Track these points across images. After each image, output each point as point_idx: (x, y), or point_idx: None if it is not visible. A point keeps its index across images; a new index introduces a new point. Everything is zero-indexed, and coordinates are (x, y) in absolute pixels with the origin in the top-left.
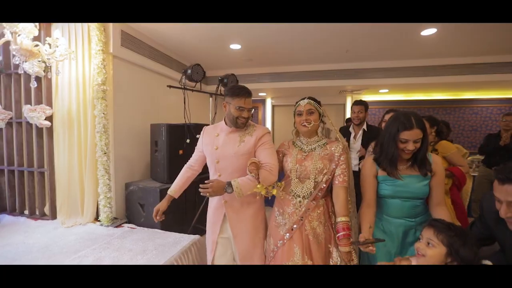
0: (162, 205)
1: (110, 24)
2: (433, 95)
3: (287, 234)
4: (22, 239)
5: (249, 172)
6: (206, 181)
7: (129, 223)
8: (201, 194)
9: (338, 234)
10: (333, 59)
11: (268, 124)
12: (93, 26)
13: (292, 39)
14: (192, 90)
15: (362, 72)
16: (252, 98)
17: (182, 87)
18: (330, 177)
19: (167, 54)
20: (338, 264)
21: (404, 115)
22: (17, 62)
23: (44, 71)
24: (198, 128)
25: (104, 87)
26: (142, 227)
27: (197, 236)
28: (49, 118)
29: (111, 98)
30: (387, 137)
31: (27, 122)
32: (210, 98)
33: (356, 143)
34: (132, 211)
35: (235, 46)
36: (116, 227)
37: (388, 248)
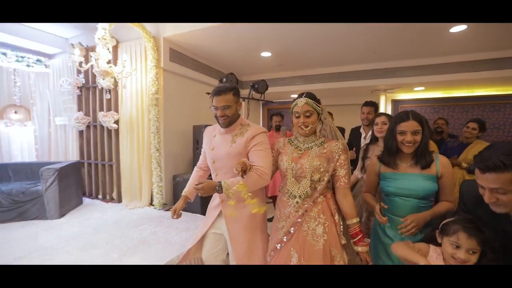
0: (179, 204)
1: (161, 43)
2: (478, 91)
3: (285, 237)
4: (99, 215)
5: (235, 170)
6: (198, 182)
7: None
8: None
9: (355, 239)
10: (363, 60)
11: None
12: (149, 46)
13: (320, 43)
14: (250, 99)
15: (392, 71)
16: (284, 100)
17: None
18: (326, 176)
19: (206, 64)
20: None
21: (403, 111)
22: (98, 80)
23: (113, 85)
24: None
25: (157, 95)
26: (186, 212)
27: None
28: (116, 122)
29: (162, 104)
30: (388, 132)
31: (101, 125)
32: (243, 102)
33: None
34: (178, 198)
35: (266, 54)
36: (166, 210)
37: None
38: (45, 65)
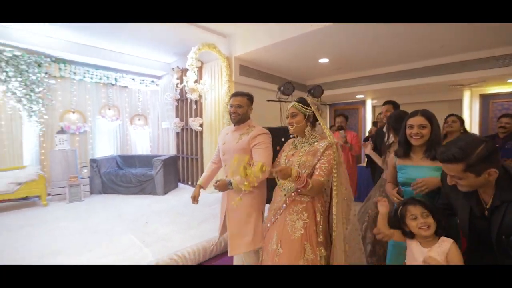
0: (196, 192)
1: (233, 62)
2: None
3: (272, 219)
4: (188, 196)
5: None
6: (216, 181)
7: None
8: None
9: (298, 184)
10: (433, 54)
11: (369, 125)
12: (223, 65)
13: (380, 42)
14: (285, 101)
15: (477, 63)
16: (349, 101)
17: (277, 100)
18: (311, 171)
19: (270, 73)
20: (308, 261)
21: (415, 110)
22: (188, 95)
23: (198, 97)
24: (281, 129)
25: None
26: None
27: None
28: (201, 125)
29: None
30: (402, 128)
31: (190, 128)
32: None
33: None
34: None
35: (324, 60)
36: None
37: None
38: (156, 84)
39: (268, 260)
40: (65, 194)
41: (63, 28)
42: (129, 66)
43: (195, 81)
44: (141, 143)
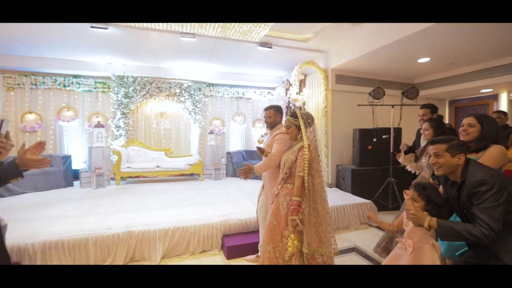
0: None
1: (329, 73)
2: None
3: (271, 200)
4: None
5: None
6: (245, 165)
7: (336, 187)
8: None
9: (290, 210)
10: None
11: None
12: (321, 77)
13: (495, 36)
14: (376, 105)
15: None
16: (474, 96)
17: (368, 104)
18: (289, 166)
19: (365, 77)
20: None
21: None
22: (292, 103)
23: (301, 104)
24: (384, 131)
25: (326, 109)
26: (341, 190)
27: (368, 201)
28: None
29: (330, 115)
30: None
31: None
32: (392, 109)
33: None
34: (339, 180)
35: (424, 60)
36: (329, 187)
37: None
38: (271, 94)
39: (267, 229)
40: (211, 174)
41: (213, 63)
42: (252, 82)
43: (297, 93)
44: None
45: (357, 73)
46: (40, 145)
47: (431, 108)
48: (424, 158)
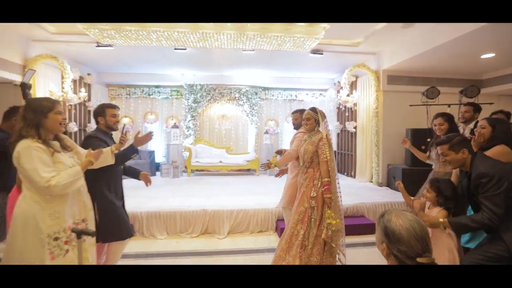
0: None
1: (381, 74)
2: None
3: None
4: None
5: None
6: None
7: (387, 186)
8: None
9: (324, 189)
10: None
11: None
12: (372, 78)
13: None
14: (430, 105)
15: None
16: None
17: (422, 103)
18: (311, 155)
19: (417, 76)
20: (305, 208)
21: None
22: (342, 104)
23: (353, 105)
24: None
25: (377, 110)
26: (391, 189)
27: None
28: (354, 127)
29: (381, 115)
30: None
31: (346, 130)
32: (448, 108)
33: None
34: (390, 180)
35: (488, 55)
36: (380, 186)
37: None
38: (323, 96)
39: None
40: (266, 170)
41: (269, 69)
42: (304, 85)
43: (348, 95)
44: None
45: (411, 73)
46: (149, 135)
47: (474, 106)
48: (433, 152)
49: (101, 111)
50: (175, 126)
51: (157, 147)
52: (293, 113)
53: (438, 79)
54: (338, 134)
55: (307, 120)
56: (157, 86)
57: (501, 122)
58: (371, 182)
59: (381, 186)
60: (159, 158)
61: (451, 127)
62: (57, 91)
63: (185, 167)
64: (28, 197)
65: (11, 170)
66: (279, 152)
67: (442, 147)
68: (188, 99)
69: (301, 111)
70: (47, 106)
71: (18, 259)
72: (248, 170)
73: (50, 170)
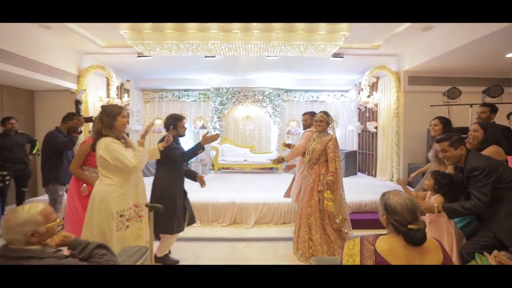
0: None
1: (401, 75)
2: None
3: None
4: (362, 181)
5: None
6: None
7: (408, 185)
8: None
9: (328, 174)
10: None
11: None
12: (392, 79)
13: None
14: (451, 105)
15: None
16: None
17: (443, 103)
18: (319, 153)
19: (439, 77)
20: (314, 201)
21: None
22: (363, 105)
23: (374, 106)
24: (462, 130)
25: (397, 110)
26: (412, 188)
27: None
28: (375, 128)
29: (401, 115)
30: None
31: (367, 130)
32: (470, 108)
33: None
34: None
35: None
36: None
37: None
38: (344, 96)
39: (299, 204)
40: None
41: (291, 72)
42: (326, 86)
43: (368, 96)
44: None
45: (433, 73)
46: (217, 136)
47: (491, 107)
48: (430, 153)
49: (173, 123)
50: (202, 127)
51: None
52: (303, 114)
53: (462, 79)
54: (359, 134)
55: (320, 122)
56: (186, 90)
57: (492, 125)
58: (392, 181)
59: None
60: None
61: (445, 129)
62: (104, 96)
63: (212, 165)
64: (104, 182)
65: (62, 164)
66: (288, 146)
67: (443, 143)
68: (214, 102)
69: (311, 113)
70: (116, 111)
71: (96, 228)
72: (271, 168)
73: (131, 155)
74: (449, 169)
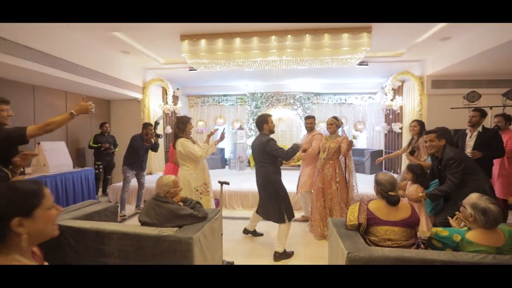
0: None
1: (425, 79)
2: None
3: (316, 172)
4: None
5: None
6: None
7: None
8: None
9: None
10: None
11: None
12: (416, 84)
13: None
14: (471, 107)
15: None
16: None
17: (464, 106)
18: (334, 150)
19: (464, 80)
20: (333, 190)
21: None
22: (387, 110)
23: (398, 108)
24: None
25: (420, 112)
26: None
27: None
28: (400, 128)
29: (425, 117)
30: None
31: (393, 131)
32: (490, 110)
33: (471, 142)
34: None
35: None
36: None
37: None
38: (372, 99)
39: (316, 191)
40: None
41: (320, 78)
42: (353, 89)
43: (391, 99)
44: (360, 140)
45: (457, 76)
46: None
47: (481, 112)
48: (412, 146)
49: (265, 120)
50: (240, 128)
51: (226, 145)
52: (306, 118)
53: (488, 81)
54: (385, 134)
55: (331, 125)
56: (225, 95)
57: (445, 130)
58: None
59: None
60: (227, 154)
61: (421, 130)
62: (162, 104)
63: (248, 161)
64: (185, 169)
65: (144, 157)
66: (304, 150)
67: (431, 135)
68: (250, 105)
69: (313, 117)
70: (187, 120)
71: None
72: (299, 166)
73: (198, 149)
74: (414, 160)
